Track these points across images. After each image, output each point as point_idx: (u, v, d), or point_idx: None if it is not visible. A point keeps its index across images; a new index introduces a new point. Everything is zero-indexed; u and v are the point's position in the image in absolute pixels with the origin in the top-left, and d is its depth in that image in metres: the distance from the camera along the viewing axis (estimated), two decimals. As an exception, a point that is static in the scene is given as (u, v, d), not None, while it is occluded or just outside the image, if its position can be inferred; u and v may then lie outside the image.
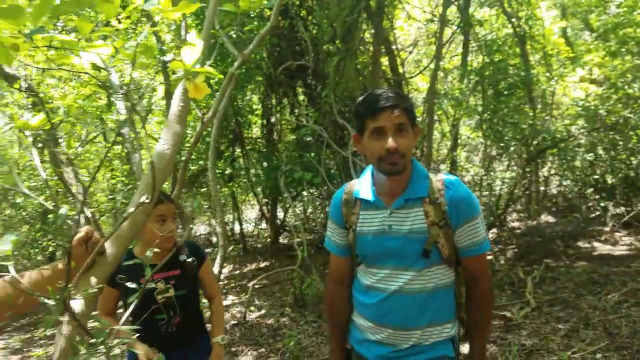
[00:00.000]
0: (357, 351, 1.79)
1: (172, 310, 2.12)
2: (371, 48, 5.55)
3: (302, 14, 5.85)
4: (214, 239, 9.99)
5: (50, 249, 8.27)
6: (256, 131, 8.60)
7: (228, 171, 7.99)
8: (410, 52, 7.53)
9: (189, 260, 2.19)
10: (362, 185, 1.73)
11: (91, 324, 1.32)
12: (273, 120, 7.66)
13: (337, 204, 1.79)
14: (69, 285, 1.28)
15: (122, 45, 1.34)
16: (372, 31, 5.45)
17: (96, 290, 1.43)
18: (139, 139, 4.28)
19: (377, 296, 1.68)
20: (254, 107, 8.19)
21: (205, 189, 8.49)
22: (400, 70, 6.09)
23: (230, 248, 8.78)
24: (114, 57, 1.38)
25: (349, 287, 1.85)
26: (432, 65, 6.48)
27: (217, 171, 7.41)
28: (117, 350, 1.30)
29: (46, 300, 1.25)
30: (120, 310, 2.22)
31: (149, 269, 1.46)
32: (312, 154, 5.93)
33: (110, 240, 1.49)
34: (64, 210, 1.26)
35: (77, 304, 1.39)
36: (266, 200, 8.65)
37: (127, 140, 4.79)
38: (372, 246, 1.68)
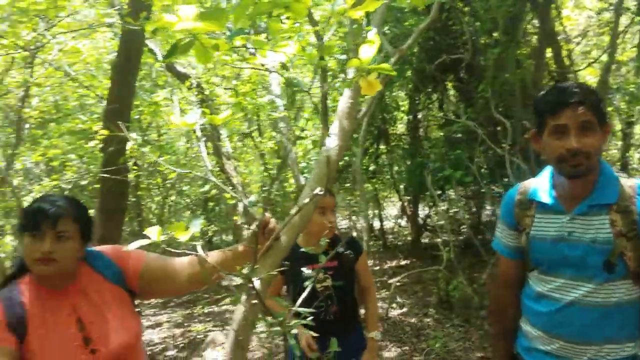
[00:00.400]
0: (525, 359, 1.69)
1: (329, 299, 2.22)
2: (534, 39, 5.15)
3: (458, 6, 5.63)
4: (354, 234, 10.16)
5: (210, 233, 9.09)
6: (401, 127, 8.52)
7: (372, 167, 8.05)
8: (579, 44, 6.85)
9: (347, 252, 2.27)
10: (540, 186, 1.61)
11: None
12: (420, 116, 7.52)
13: (510, 204, 1.69)
14: (254, 267, 1.37)
15: (306, 44, 1.40)
16: (536, 21, 5.05)
17: (275, 273, 1.52)
18: (294, 131, 4.52)
19: (550, 305, 1.57)
20: (400, 103, 8.12)
21: (348, 184, 8.66)
22: (567, 62, 5.57)
23: (371, 244, 8.85)
24: (295, 57, 1.45)
25: (518, 291, 1.74)
26: (603, 57, 5.82)
27: (361, 167, 7.50)
28: (294, 330, 1.36)
29: (234, 278, 1.35)
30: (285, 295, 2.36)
31: (323, 256, 1.53)
32: (463, 151, 5.70)
33: (284, 229, 1.57)
34: (253, 198, 1.36)
35: (257, 284, 1.49)
36: (408, 197, 8.54)
37: (283, 135, 5.06)
38: (549, 252, 1.56)
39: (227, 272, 1.34)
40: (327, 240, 2.12)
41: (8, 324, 1.37)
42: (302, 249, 2.20)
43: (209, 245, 9.00)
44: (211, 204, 9.07)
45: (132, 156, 4.18)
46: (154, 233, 1.45)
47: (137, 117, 6.84)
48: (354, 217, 9.52)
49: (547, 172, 1.64)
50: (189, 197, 9.68)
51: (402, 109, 8.21)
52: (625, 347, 1.51)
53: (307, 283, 1.40)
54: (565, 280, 1.55)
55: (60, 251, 1.41)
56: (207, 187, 8.04)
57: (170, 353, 4.78)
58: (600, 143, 1.45)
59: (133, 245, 1.37)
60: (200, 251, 1.48)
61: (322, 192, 1.59)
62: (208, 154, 7.00)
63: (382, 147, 8.13)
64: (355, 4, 1.28)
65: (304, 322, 1.37)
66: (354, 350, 2.26)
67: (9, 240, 7.14)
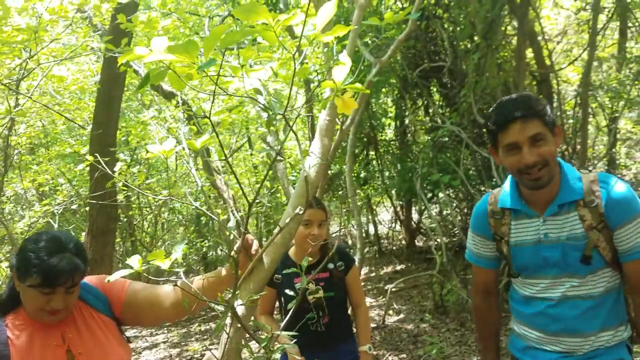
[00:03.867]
0: (521, 359, 1.73)
1: (321, 310, 2.23)
2: (514, 41, 5.21)
3: (437, 13, 5.69)
4: (350, 241, 10.17)
5: (204, 249, 9.07)
6: (390, 134, 8.57)
7: (363, 174, 8.08)
8: (559, 42, 6.93)
9: (338, 264, 2.30)
10: (508, 194, 1.65)
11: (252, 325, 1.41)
12: (407, 122, 7.57)
13: (482, 216, 1.72)
14: (236, 292, 1.38)
15: (279, 68, 1.42)
16: (515, 24, 5.11)
17: (258, 296, 1.53)
18: (282, 147, 4.53)
19: (540, 305, 1.62)
20: (388, 109, 8.17)
21: (340, 192, 8.68)
22: (548, 62, 5.62)
23: (366, 250, 8.86)
24: (270, 80, 1.47)
25: (497, 295, 1.85)
26: (584, 55, 5.90)
27: (352, 175, 7.54)
28: (277, 355, 1.37)
29: (216, 306, 1.36)
30: (277, 315, 2.37)
31: (303, 276, 1.54)
32: (449, 155, 5.74)
33: (267, 249, 1.59)
34: (232, 222, 1.37)
35: (240, 308, 1.50)
36: (400, 202, 8.57)
37: (271, 148, 5.07)
38: (531, 257, 1.60)
39: (208, 300, 1.35)
40: (311, 259, 2.15)
41: None
42: (295, 260, 2.27)
43: (204, 261, 8.97)
44: (204, 219, 9.06)
45: (120, 178, 4.18)
46: (135, 262, 1.46)
47: (124, 137, 6.83)
48: (349, 225, 9.54)
49: (509, 180, 1.68)
50: (181, 214, 9.68)
51: (390, 115, 8.26)
52: (617, 331, 1.57)
53: (290, 305, 1.41)
54: (550, 281, 1.59)
55: (69, 303, 1.43)
56: (197, 204, 8.04)
57: (167, 374, 4.76)
58: (554, 148, 1.50)
59: (114, 276, 1.38)
60: (183, 278, 1.50)
61: (301, 212, 1.61)
62: (197, 169, 7.01)
63: (372, 153, 8.18)
64: (324, 29, 1.31)
65: (287, 345, 1.38)
66: None
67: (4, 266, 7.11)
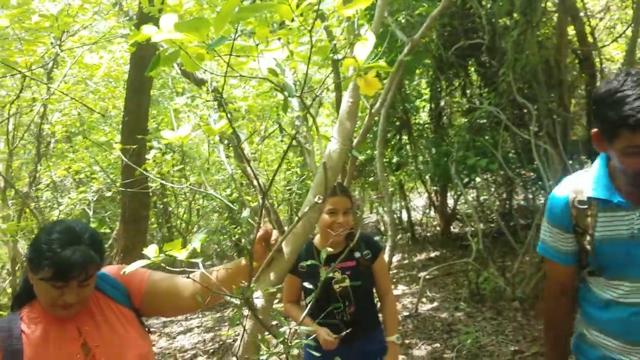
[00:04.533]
0: None
1: (347, 299, 2.18)
2: (554, 18, 4.94)
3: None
4: (382, 227, 10.05)
5: (237, 235, 9.14)
6: (424, 117, 8.36)
7: (395, 159, 7.91)
8: (602, 19, 6.55)
9: (364, 253, 2.23)
10: (596, 182, 1.46)
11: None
12: (442, 103, 7.34)
13: (564, 205, 1.52)
14: (251, 285, 1.31)
15: (296, 47, 1.33)
16: (556, -1, 4.85)
17: (275, 289, 1.46)
18: (312, 133, 4.45)
19: (623, 311, 1.45)
20: (422, 91, 7.96)
21: (372, 178, 8.55)
22: (590, 39, 5.32)
23: (399, 237, 8.73)
24: (288, 60, 1.39)
25: (573, 297, 1.65)
26: (628, 32, 5.55)
27: (385, 160, 7.39)
28: (295, 351, 1.30)
29: (231, 299, 1.29)
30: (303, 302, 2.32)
31: (322, 269, 1.46)
32: (487, 138, 5.52)
33: (287, 239, 1.51)
34: (246, 213, 1.31)
35: (259, 300, 1.43)
36: (435, 187, 8.38)
37: (300, 135, 5.00)
38: (618, 254, 1.43)
39: (222, 293, 1.29)
40: (330, 249, 2.07)
41: (3, 357, 1.35)
42: (320, 247, 2.23)
43: (237, 247, 9.04)
44: (237, 205, 9.12)
45: (150, 166, 4.19)
46: (152, 252, 1.41)
47: (156, 125, 6.89)
48: (380, 210, 9.41)
49: (598, 165, 1.49)
50: (215, 201, 9.76)
51: (424, 97, 8.04)
52: None
53: (308, 298, 1.33)
54: (634, 284, 1.43)
55: (83, 296, 1.38)
56: (229, 191, 8.07)
57: (200, 359, 4.80)
58: None
59: (132, 267, 1.32)
60: (201, 268, 1.44)
61: (321, 201, 1.53)
62: (229, 157, 7.01)
63: (404, 137, 7.99)
64: (345, 1, 1.21)
65: (305, 342, 1.31)
66: (374, 351, 2.22)
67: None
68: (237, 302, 1.24)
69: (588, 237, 1.46)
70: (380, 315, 2.36)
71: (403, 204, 9.13)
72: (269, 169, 8.08)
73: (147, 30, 1.24)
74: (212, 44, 1.16)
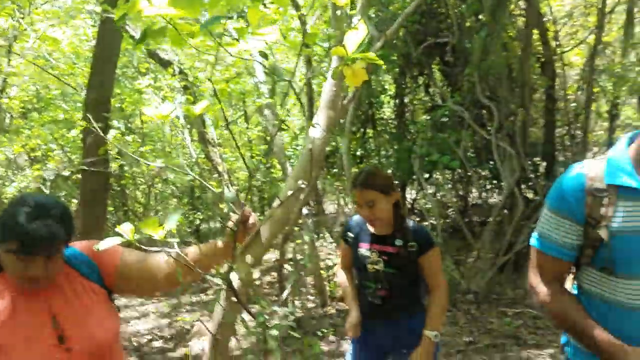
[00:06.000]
0: None
1: (379, 282, 2.18)
2: (520, 21, 5.10)
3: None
4: (342, 219, 10.15)
5: (197, 222, 9.02)
6: (388, 112, 8.46)
7: (359, 152, 7.99)
8: (565, 24, 6.81)
9: (410, 244, 2.13)
10: (616, 167, 1.32)
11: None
12: (406, 100, 7.46)
13: (578, 193, 1.34)
14: (232, 265, 1.32)
15: (289, 30, 1.35)
16: (522, 3, 5.00)
17: (251, 271, 1.48)
18: (279, 121, 4.44)
19: (636, 317, 1.32)
20: (387, 86, 8.05)
21: (336, 170, 8.61)
22: (553, 44, 5.53)
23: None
24: (276, 43, 1.40)
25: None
26: (589, 39, 5.81)
27: (349, 152, 7.46)
28: (274, 332, 1.32)
29: (211, 278, 1.30)
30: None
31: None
32: (448, 135, 5.67)
33: (265, 223, 1.53)
34: (231, 194, 1.31)
35: (236, 281, 1.44)
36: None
37: (269, 122, 4.99)
38: (638, 249, 1.29)
39: (204, 273, 1.30)
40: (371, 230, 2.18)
41: None
42: (369, 228, 2.23)
43: (197, 234, 8.93)
44: (197, 191, 8.99)
45: (115, 145, 4.08)
46: (126, 231, 1.39)
47: (119, 105, 6.70)
48: (341, 202, 9.50)
49: (619, 149, 1.35)
50: (175, 185, 9.59)
51: (389, 93, 8.14)
52: None
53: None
54: None
55: (51, 270, 1.36)
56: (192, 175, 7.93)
57: (156, 344, 4.75)
58: None
59: (104, 244, 1.31)
60: (177, 249, 1.43)
61: (304, 185, 1.55)
62: (192, 141, 6.90)
63: (369, 131, 8.08)
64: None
65: (287, 323, 1.33)
66: (408, 339, 2.15)
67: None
68: (219, 282, 1.25)
69: (601, 229, 1.31)
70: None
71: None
72: (233, 154, 8.01)
73: (141, 4, 1.22)
74: (206, 21, 1.16)
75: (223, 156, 6.49)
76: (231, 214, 1.51)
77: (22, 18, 3.66)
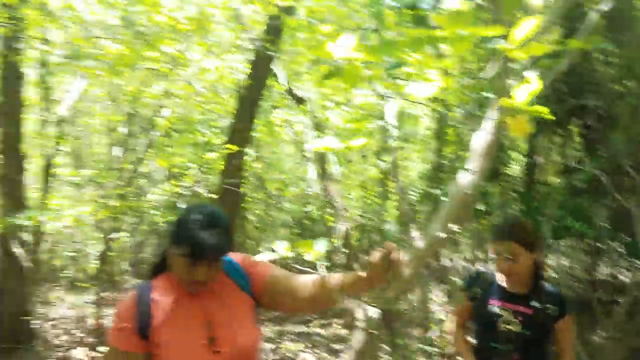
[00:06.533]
0: None
1: (512, 345, 2.04)
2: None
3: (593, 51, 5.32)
4: (461, 272, 9.74)
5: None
6: (515, 169, 8.13)
7: (481, 207, 7.72)
8: None
9: (549, 307, 2.04)
10: None
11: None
12: (538, 160, 7.13)
13: None
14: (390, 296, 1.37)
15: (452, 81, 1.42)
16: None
17: (391, 306, 1.50)
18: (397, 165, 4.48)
19: None
20: (518, 143, 7.77)
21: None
22: None
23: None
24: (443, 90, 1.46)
25: None
26: None
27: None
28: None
29: (365, 305, 1.36)
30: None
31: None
32: (582, 202, 5.29)
33: (408, 261, 1.55)
34: (392, 226, 1.37)
35: (374, 313, 1.48)
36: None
37: (390, 166, 5.06)
38: None
39: (351, 297, 1.35)
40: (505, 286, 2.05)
41: (139, 329, 1.49)
42: (501, 284, 2.11)
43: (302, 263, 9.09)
44: (308, 222, 9.23)
45: (251, 170, 4.41)
46: (281, 248, 1.51)
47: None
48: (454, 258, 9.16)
49: None
50: (288, 214, 9.94)
51: (520, 150, 7.83)
52: None
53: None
54: None
55: (212, 276, 1.52)
56: (309, 207, 8.19)
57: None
58: None
59: (260, 257, 1.43)
60: (323, 271, 1.52)
61: (448, 236, 1.55)
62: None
63: (494, 186, 7.78)
64: (519, 45, 1.27)
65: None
66: None
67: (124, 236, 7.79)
68: (372, 309, 1.30)
69: None
70: None
71: (479, 254, 8.83)
72: (348, 191, 8.14)
73: (330, 47, 1.36)
74: (391, 66, 1.26)
75: (341, 193, 6.64)
76: (377, 248, 1.57)
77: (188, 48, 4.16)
